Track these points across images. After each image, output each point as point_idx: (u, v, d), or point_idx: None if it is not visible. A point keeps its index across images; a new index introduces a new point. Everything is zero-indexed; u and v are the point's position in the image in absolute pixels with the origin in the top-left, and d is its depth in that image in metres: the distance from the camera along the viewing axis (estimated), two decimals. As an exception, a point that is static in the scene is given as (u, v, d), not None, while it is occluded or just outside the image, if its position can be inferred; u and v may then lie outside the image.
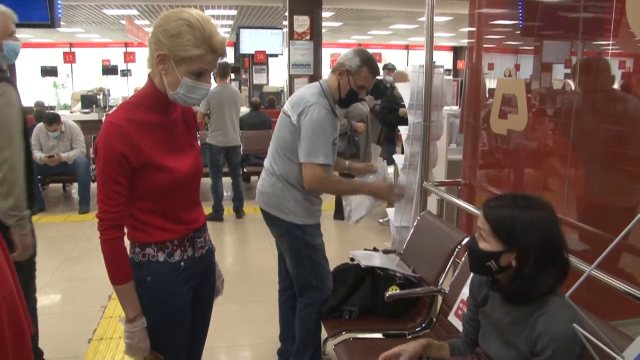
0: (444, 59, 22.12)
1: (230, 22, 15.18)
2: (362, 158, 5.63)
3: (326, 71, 13.02)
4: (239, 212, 6.31)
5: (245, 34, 12.77)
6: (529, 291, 1.53)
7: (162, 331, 1.78)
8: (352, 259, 2.90)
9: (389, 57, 19.99)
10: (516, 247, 1.53)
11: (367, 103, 6.38)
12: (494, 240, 1.56)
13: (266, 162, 2.77)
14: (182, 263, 1.80)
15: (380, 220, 5.99)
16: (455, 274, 2.53)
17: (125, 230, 1.71)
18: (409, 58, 22.56)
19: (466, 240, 2.57)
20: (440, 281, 2.60)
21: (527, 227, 1.52)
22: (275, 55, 12.94)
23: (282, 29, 12.67)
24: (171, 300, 1.80)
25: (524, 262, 1.52)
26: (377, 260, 2.83)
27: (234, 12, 13.45)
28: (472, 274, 1.84)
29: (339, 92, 2.66)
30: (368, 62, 2.63)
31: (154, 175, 1.68)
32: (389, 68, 8.38)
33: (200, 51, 1.61)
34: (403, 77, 6.88)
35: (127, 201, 1.67)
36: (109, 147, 1.61)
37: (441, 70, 3.80)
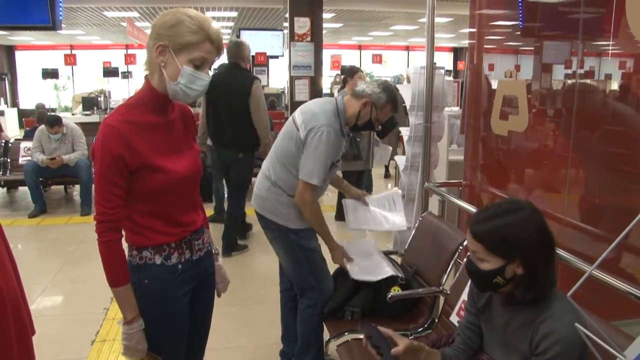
0: (444, 60, 22.12)
1: (231, 23, 15.20)
2: (364, 160, 5.64)
3: (327, 72, 13.04)
4: None
5: (245, 35, 12.78)
6: (544, 291, 1.53)
7: (159, 333, 1.78)
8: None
9: (389, 58, 20.05)
10: (518, 255, 1.51)
11: None
12: (493, 258, 1.53)
13: (264, 166, 2.79)
14: (180, 266, 1.80)
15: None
16: (457, 274, 2.53)
17: (123, 233, 1.73)
18: (410, 59, 22.56)
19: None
20: (442, 282, 2.61)
21: (522, 231, 1.50)
22: (276, 57, 12.97)
23: (282, 30, 12.69)
24: (169, 302, 1.80)
25: (533, 266, 1.50)
26: (369, 272, 2.81)
27: (234, 14, 13.47)
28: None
29: (357, 119, 2.68)
30: (393, 100, 2.71)
31: (151, 177, 1.69)
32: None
33: (199, 37, 1.64)
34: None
35: (125, 203, 1.68)
36: (106, 149, 1.62)
37: (442, 71, 3.79)
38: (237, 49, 4.93)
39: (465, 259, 2.44)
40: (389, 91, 2.69)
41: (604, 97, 2.75)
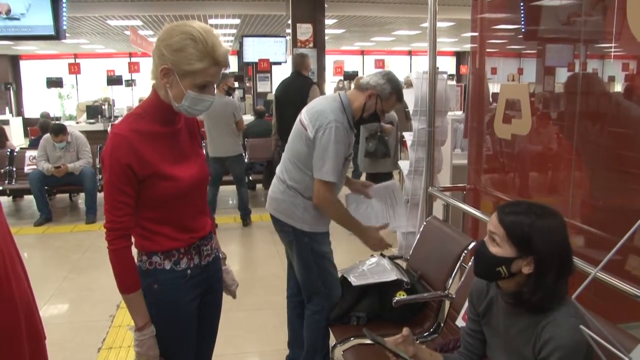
0: (446, 65, 22.12)
1: (234, 31, 15.25)
2: (392, 157, 5.87)
3: (330, 78, 13.07)
4: (245, 220, 6.32)
5: (248, 42, 12.83)
6: (551, 300, 1.51)
7: (168, 338, 1.79)
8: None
9: (392, 63, 20.07)
10: (535, 255, 1.50)
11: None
12: (508, 246, 1.53)
13: (278, 170, 2.79)
14: (189, 271, 1.82)
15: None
16: (462, 278, 2.53)
17: (133, 238, 1.74)
18: (412, 64, 22.58)
19: (472, 244, 2.57)
20: (448, 286, 2.61)
21: (546, 236, 1.50)
22: (279, 63, 13.00)
23: (285, 37, 12.73)
24: (177, 307, 1.81)
25: (545, 271, 1.50)
26: (369, 275, 2.81)
27: (237, 21, 13.52)
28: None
29: (362, 111, 2.68)
30: (398, 90, 2.71)
31: (159, 185, 1.70)
32: None
33: (204, 64, 1.63)
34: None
35: (134, 211, 1.69)
36: (115, 158, 1.63)
37: (445, 76, 3.80)
38: (301, 60, 5.98)
39: (471, 260, 2.44)
40: (393, 82, 2.69)
41: (608, 98, 2.75)
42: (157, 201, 1.73)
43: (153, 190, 1.70)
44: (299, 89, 5.68)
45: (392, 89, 2.67)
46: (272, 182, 2.82)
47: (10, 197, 7.74)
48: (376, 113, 2.70)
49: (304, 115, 2.68)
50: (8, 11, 6.23)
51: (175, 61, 1.62)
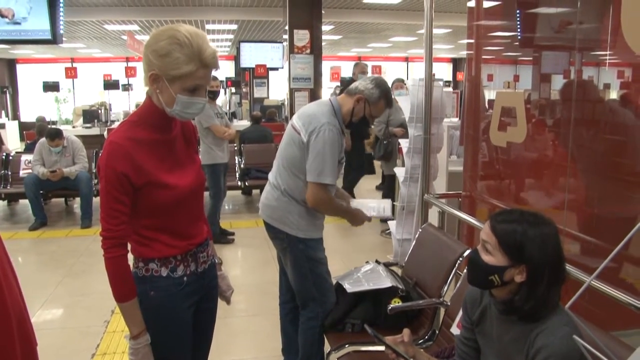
0: (443, 71, 22.18)
1: (231, 36, 15.27)
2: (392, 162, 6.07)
3: (326, 84, 13.08)
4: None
5: (245, 48, 12.87)
6: (543, 308, 1.51)
7: (164, 345, 1.79)
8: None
9: (388, 69, 20.12)
10: (528, 264, 1.50)
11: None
12: (500, 255, 1.53)
13: (271, 176, 2.80)
14: (185, 278, 1.81)
15: (382, 233, 5.99)
16: (457, 285, 2.53)
17: (129, 245, 1.73)
18: (409, 70, 22.63)
19: (467, 252, 2.57)
20: (443, 293, 2.60)
21: (539, 244, 1.50)
22: (276, 69, 13.03)
23: (282, 42, 12.76)
24: (174, 314, 1.81)
25: (537, 279, 1.49)
26: (364, 282, 2.81)
27: (234, 27, 13.53)
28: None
29: (351, 116, 2.71)
30: (386, 95, 2.74)
31: (156, 193, 1.70)
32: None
33: (191, 67, 1.62)
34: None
35: (130, 219, 1.69)
36: (110, 167, 1.63)
37: (441, 83, 3.81)
38: (364, 69, 6.80)
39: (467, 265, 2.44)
40: (382, 86, 2.72)
41: (603, 106, 2.76)
42: (154, 209, 1.72)
43: (150, 198, 1.69)
44: None
45: (380, 93, 2.70)
46: (265, 189, 2.82)
47: (5, 201, 7.71)
48: (365, 117, 2.73)
49: (295, 120, 2.70)
50: (12, 16, 6.25)
51: (162, 67, 1.62)
